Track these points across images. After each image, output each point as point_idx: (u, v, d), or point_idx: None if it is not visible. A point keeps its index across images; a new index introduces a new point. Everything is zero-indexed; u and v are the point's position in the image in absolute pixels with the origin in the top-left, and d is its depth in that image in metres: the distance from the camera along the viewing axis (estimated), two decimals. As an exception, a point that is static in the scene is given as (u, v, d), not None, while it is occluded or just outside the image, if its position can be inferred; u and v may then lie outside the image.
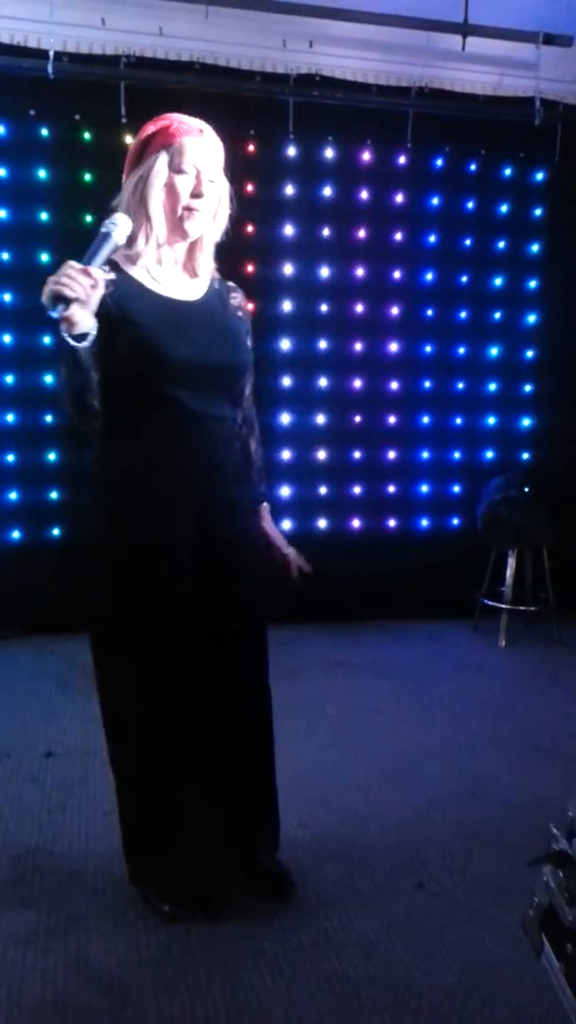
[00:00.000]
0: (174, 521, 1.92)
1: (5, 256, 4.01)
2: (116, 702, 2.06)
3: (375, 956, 2.00)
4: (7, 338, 4.06)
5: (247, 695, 2.09)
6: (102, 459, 1.96)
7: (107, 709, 2.08)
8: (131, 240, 1.87)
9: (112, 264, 1.86)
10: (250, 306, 2.14)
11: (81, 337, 1.69)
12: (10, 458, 4.15)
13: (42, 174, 4.00)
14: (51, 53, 3.79)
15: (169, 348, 1.84)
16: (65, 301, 1.63)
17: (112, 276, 1.83)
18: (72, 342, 1.69)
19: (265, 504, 2.16)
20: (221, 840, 2.09)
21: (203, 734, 2.03)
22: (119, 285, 1.85)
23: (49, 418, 4.13)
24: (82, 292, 1.64)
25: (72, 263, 1.66)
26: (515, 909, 2.16)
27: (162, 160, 1.86)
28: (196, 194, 1.88)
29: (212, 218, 1.94)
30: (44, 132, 3.97)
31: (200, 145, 1.88)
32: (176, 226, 1.90)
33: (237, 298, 2.06)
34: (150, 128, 1.90)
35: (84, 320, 1.67)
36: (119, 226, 1.77)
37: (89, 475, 2.04)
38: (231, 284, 2.07)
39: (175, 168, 1.86)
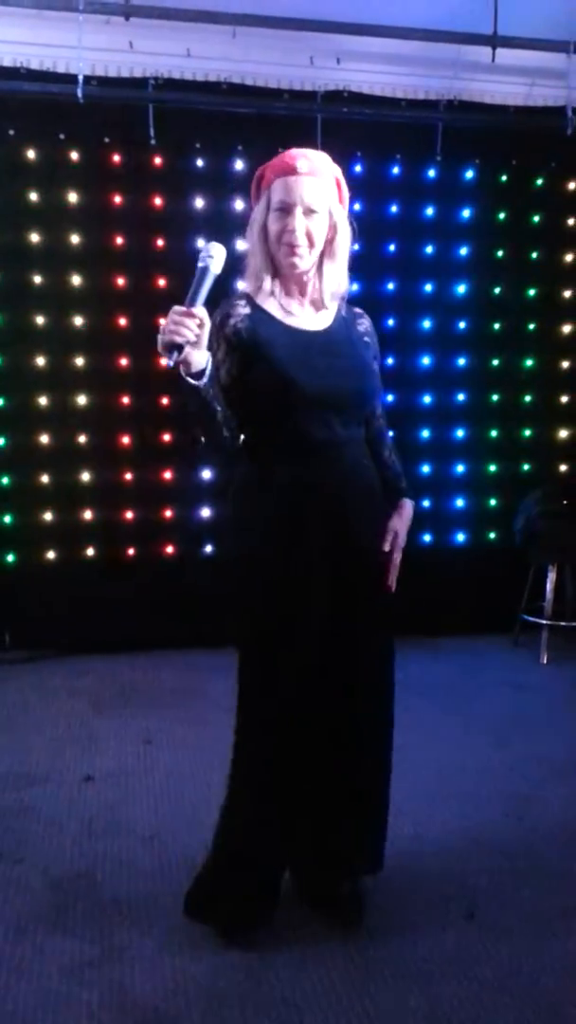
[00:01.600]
0: (305, 543, 1.95)
1: (36, 279, 4.04)
2: (247, 717, 2.06)
3: (426, 990, 1.94)
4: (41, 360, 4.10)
5: (367, 723, 2.09)
6: (239, 482, 2.04)
7: (241, 722, 2.07)
8: (252, 278, 1.99)
9: (247, 298, 1.98)
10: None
11: (199, 374, 1.78)
12: (44, 479, 4.16)
13: (72, 198, 4.02)
14: (80, 77, 3.82)
15: (299, 378, 1.89)
16: (178, 348, 1.70)
17: (247, 311, 1.95)
18: (192, 380, 1.77)
19: (404, 500, 2.14)
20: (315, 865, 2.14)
21: (323, 759, 2.05)
22: (253, 319, 1.94)
23: (82, 439, 4.15)
24: (191, 335, 1.71)
25: (176, 308, 1.71)
26: (571, 942, 2.10)
27: (263, 203, 1.95)
28: (286, 229, 1.91)
29: (317, 250, 1.96)
30: (74, 156, 4.00)
31: (293, 183, 1.90)
32: (282, 262, 1.96)
33: (364, 324, 2.10)
34: (262, 168, 1.98)
35: (198, 359, 1.76)
36: (215, 257, 1.78)
37: (227, 495, 2.11)
38: (357, 310, 2.12)
39: (272, 209, 1.93)
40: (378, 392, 2.11)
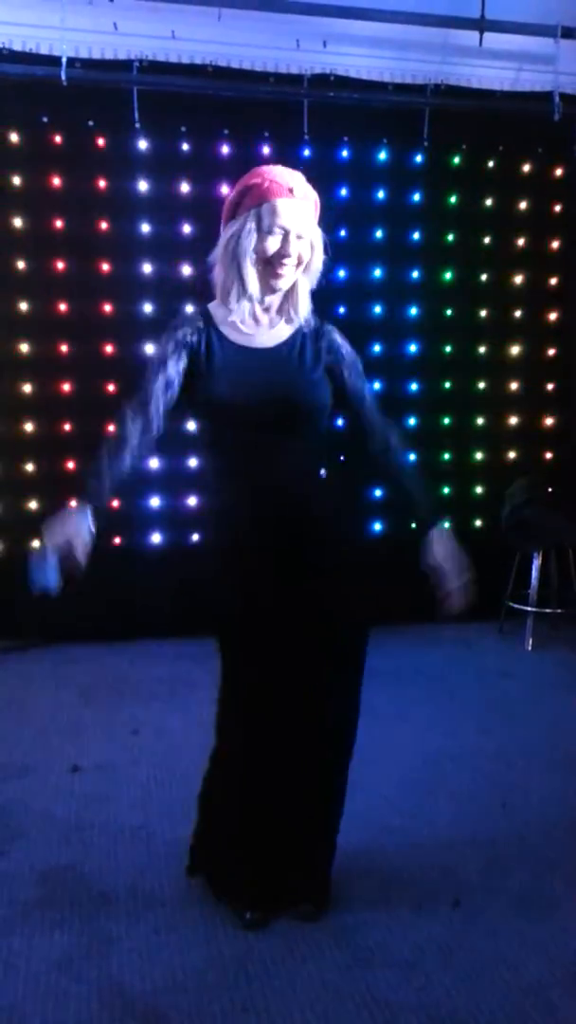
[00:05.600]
0: (252, 551, 2.00)
1: (20, 265, 3.99)
2: (221, 702, 2.14)
3: (414, 979, 1.95)
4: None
5: (323, 731, 2.16)
6: (208, 477, 2.12)
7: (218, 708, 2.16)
8: (226, 294, 2.00)
9: (204, 316, 2.03)
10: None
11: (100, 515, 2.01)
12: (30, 467, 4.13)
13: (56, 182, 3.97)
14: (63, 59, 3.76)
15: (229, 392, 1.95)
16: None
17: (200, 326, 2.00)
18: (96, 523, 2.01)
19: (435, 531, 2.18)
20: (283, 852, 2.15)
21: (277, 753, 2.09)
22: (203, 337, 1.99)
23: (67, 426, 4.12)
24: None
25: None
26: (557, 929, 2.12)
27: (252, 221, 1.93)
28: (283, 254, 1.94)
29: (301, 269, 1.99)
30: (58, 139, 3.95)
31: (289, 206, 1.92)
32: (266, 282, 1.98)
33: (327, 339, 2.07)
34: (243, 184, 1.96)
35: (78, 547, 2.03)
36: None
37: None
38: (328, 327, 2.10)
39: (264, 229, 1.93)
40: (320, 407, 2.03)
